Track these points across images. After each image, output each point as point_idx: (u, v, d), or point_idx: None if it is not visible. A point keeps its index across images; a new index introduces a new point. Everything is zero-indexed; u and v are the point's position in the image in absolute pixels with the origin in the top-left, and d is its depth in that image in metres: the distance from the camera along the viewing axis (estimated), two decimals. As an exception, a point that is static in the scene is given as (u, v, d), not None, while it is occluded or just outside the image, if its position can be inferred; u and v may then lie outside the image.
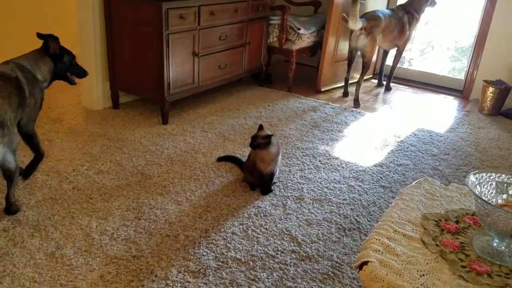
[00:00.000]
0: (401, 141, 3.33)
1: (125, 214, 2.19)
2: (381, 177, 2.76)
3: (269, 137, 2.32)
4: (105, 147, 2.87)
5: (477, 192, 1.35)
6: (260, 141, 2.32)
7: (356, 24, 3.77)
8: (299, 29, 4.12)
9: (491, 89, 3.96)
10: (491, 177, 1.43)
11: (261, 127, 2.42)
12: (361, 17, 3.88)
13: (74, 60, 2.44)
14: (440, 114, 4.03)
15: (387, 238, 1.38)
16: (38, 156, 2.42)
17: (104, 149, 2.83)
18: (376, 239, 1.37)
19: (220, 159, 2.81)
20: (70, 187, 2.38)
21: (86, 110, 3.47)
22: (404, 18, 4.17)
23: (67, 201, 2.25)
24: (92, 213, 2.18)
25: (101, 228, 2.07)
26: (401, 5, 4.31)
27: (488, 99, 4.00)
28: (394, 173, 2.82)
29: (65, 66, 2.38)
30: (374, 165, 2.91)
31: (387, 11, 4.09)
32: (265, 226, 2.18)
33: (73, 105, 3.54)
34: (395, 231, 1.42)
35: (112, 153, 2.78)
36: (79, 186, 2.40)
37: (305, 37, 4.19)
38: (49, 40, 2.27)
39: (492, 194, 1.42)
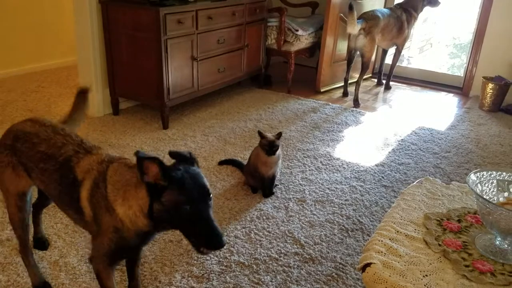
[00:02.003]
0: (402, 140, 3.33)
1: (128, 221, 2.19)
2: (382, 177, 2.76)
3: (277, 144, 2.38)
4: (106, 153, 2.87)
5: (478, 191, 1.35)
6: (277, 146, 2.36)
7: (355, 29, 3.78)
8: (297, 30, 4.12)
9: (490, 85, 3.96)
10: (492, 175, 1.43)
11: (260, 134, 2.40)
12: (360, 17, 3.89)
13: (202, 207, 1.31)
14: (440, 111, 4.02)
15: (390, 239, 1.38)
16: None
17: (105, 156, 2.83)
18: (379, 240, 1.37)
19: (221, 163, 2.81)
20: (72, 195, 2.38)
21: (87, 117, 3.46)
22: (402, 17, 4.17)
23: (70, 209, 2.25)
24: (94, 220, 2.18)
25: (104, 235, 2.07)
26: (399, 4, 4.31)
27: (488, 95, 3.99)
28: (395, 172, 2.82)
29: (165, 212, 1.25)
30: (375, 165, 2.91)
31: (386, 10, 4.10)
32: (267, 229, 2.18)
33: (73, 112, 3.54)
34: (398, 231, 1.42)
35: (113, 159, 2.78)
36: (81, 194, 2.40)
37: (303, 38, 4.19)
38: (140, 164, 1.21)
39: (494, 193, 1.41)
